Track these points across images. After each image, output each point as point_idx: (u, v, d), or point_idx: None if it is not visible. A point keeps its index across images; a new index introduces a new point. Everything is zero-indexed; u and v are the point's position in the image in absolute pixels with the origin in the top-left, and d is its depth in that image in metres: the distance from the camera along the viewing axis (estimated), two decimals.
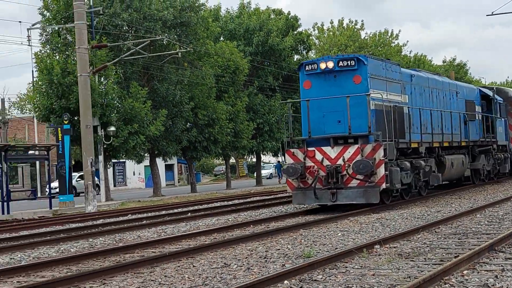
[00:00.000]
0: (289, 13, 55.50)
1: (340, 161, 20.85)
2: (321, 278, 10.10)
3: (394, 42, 71.68)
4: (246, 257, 12.60)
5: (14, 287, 10.79)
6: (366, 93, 20.90)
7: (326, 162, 21.04)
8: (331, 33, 69.16)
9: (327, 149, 21.13)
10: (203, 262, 12.33)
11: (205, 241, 15.78)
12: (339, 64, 21.33)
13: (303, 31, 55.99)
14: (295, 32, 54.33)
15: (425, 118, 25.19)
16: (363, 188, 20.57)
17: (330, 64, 21.40)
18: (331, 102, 21.41)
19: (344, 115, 21.06)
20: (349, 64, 21.25)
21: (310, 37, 58.43)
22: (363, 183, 20.58)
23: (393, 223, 17.56)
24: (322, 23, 73.61)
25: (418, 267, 10.72)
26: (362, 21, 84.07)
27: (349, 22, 69.97)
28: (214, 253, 13.46)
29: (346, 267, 10.93)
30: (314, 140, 21.65)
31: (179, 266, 11.99)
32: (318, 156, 21.18)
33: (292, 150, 21.67)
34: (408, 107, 23.70)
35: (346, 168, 20.69)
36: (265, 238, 15.52)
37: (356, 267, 10.95)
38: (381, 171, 20.45)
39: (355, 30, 69.27)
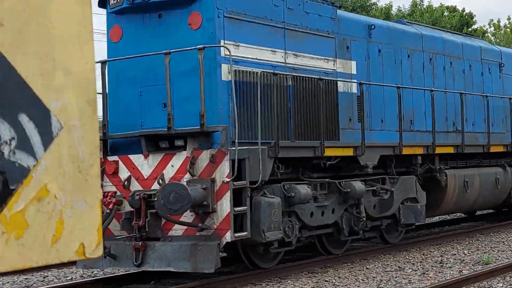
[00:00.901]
0: (463, 10, 54.05)
1: (156, 185, 10.48)
2: (502, 286, 9.77)
3: None
4: (421, 261, 12.41)
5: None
6: (203, 46, 10.18)
7: (134, 185, 10.73)
8: (508, 29, 66.58)
9: (137, 159, 10.75)
10: (376, 264, 12.25)
11: (377, 243, 15.65)
12: None
13: (478, 28, 54.38)
14: (470, 30, 52.79)
15: (386, 102, 13.78)
16: (191, 242, 10.17)
17: None
18: (150, 66, 10.95)
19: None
20: None
21: (486, 34, 56.63)
22: (193, 230, 10.24)
23: None
24: (499, 20, 70.84)
25: None
26: None
27: None
28: (387, 256, 13.34)
29: None
30: (123, 142, 11.25)
31: (352, 268, 11.99)
32: (123, 173, 10.83)
33: None
34: (347, 82, 12.77)
35: None
36: (440, 242, 15.20)
37: None
38: (225, 206, 10.04)
39: None
